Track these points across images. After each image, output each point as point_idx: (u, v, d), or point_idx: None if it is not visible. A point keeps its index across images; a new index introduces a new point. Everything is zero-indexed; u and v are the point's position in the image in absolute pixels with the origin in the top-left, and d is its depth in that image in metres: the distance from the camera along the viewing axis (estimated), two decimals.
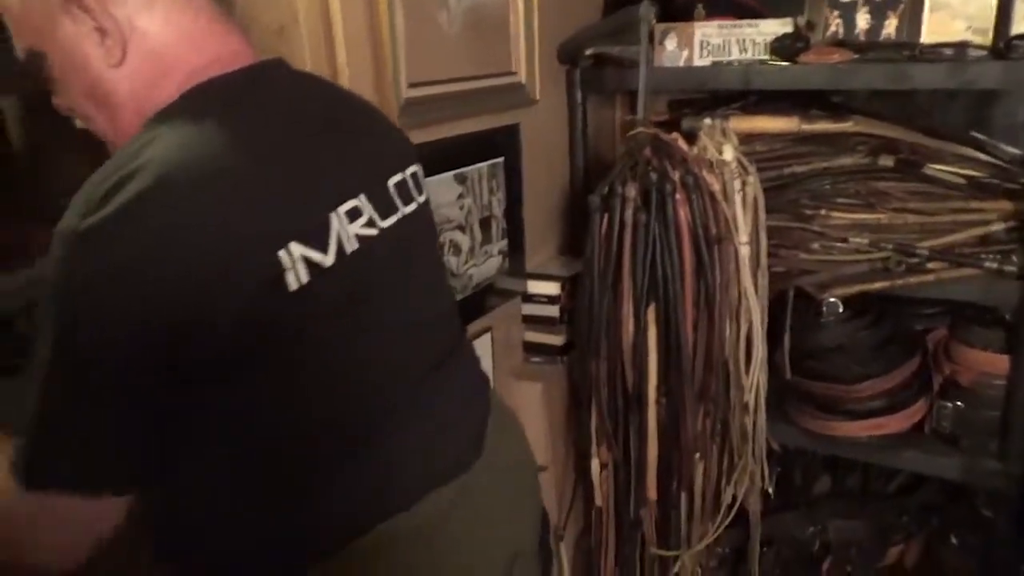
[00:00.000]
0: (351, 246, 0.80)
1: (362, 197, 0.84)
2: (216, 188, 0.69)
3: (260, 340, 0.71)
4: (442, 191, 1.52)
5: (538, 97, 1.76)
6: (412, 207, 0.94)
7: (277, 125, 0.80)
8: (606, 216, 1.58)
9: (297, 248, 0.72)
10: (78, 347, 0.66)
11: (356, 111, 0.99)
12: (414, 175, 0.99)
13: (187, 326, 0.66)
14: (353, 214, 0.82)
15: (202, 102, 0.76)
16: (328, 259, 0.76)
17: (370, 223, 0.85)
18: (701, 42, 1.78)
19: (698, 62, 1.79)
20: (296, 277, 0.72)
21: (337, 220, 0.79)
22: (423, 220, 0.99)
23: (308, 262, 0.73)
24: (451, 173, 1.55)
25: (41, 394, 0.68)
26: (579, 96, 1.89)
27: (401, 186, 0.94)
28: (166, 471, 0.75)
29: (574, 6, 1.90)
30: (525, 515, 1.04)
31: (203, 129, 0.72)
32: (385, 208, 0.88)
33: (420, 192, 0.99)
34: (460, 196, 1.59)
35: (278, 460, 0.79)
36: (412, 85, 1.42)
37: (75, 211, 0.66)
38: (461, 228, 1.60)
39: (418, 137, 1.32)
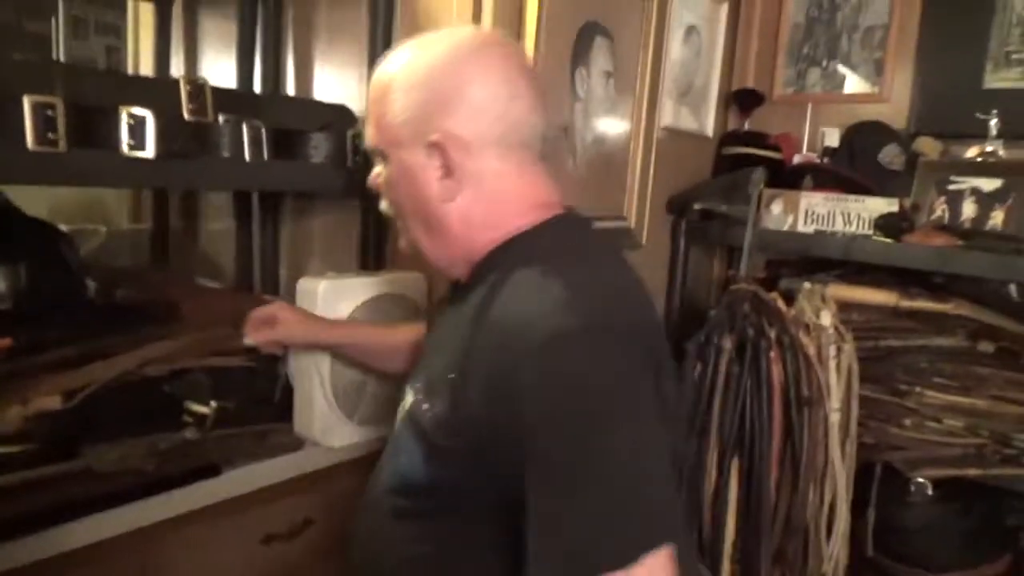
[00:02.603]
0: None
1: None
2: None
3: None
4: None
5: (644, 242, 1.86)
6: None
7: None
8: (699, 365, 1.62)
9: None
10: (640, 411, 0.73)
11: None
12: None
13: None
14: None
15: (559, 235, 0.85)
16: None
17: None
18: (807, 210, 1.87)
19: (802, 228, 1.87)
20: None
21: None
22: None
23: None
24: None
25: (619, 469, 0.70)
26: (683, 245, 1.99)
27: None
28: None
29: (686, 164, 2.03)
30: None
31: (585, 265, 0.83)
32: None
33: None
34: None
35: None
36: None
37: (557, 319, 0.73)
38: None
39: None
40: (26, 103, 0.97)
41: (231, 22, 1.66)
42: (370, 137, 0.89)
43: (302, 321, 1.18)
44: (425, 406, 0.83)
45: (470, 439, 0.77)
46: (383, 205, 0.93)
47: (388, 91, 0.84)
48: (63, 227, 1.49)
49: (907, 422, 1.71)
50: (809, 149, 2.14)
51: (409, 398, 0.88)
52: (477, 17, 1.39)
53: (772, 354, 1.57)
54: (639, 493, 0.70)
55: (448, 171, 0.83)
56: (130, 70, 1.97)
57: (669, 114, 1.93)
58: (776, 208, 1.90)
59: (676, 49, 1.93)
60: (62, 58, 1.82)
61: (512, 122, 0.83)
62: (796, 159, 2.07)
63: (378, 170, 0.91)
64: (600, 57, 1.68)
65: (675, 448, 0.85)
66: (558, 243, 0.84)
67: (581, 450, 0.70)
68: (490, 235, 0.84)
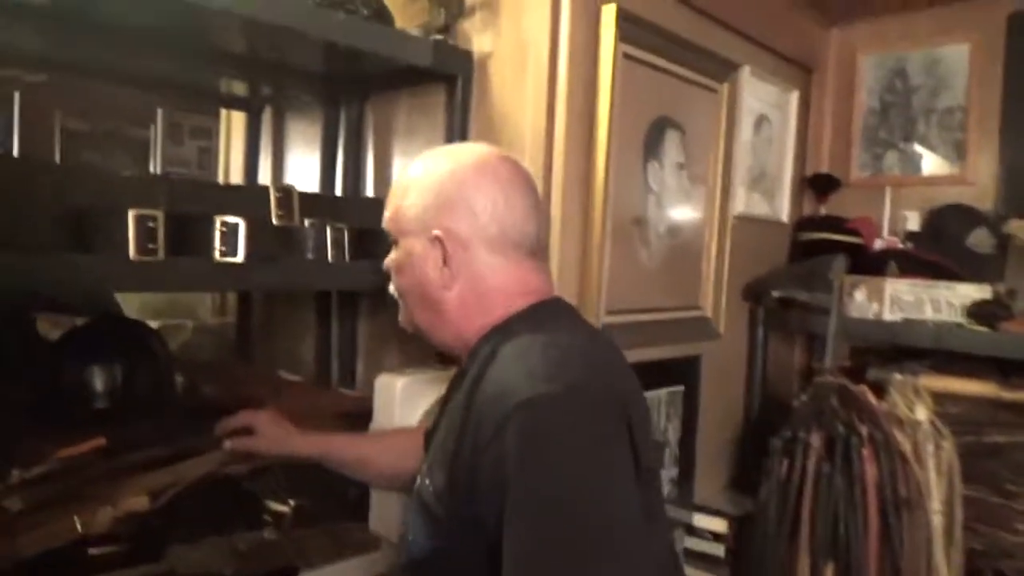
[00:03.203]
0: None
1: None
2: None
3: None
4: None
5: (722, 331, 1.82)
6: None
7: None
8: (786, 461, 1.55)
9: None
10: (613, 467, 0.79)
11: None
12: None
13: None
14: None
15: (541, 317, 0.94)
16: None
17: None
18: (892, 297, 1.80)
19: (888, 316, 1.79)
20: None
21: None
22: None
23: None
24: None
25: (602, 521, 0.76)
26: (761, 334, 1.93)
27: None
28: None
29: (761, 251, 2.00)
30: None
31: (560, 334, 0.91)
32: None
33: None
34: None
35: None
36: (610, 312, 1.53)
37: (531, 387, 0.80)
38: None
39: None
40: (130, 216, 1.03)
41: (316, 126, 1.75)
42: (386, 220, 1.03)
43: (278, 432, 1.20)
44: (427, 481, 0.91)
45: (464, 505, 0.83)
46: (391, 287, 1.05)
47: (408, 189, 0.99)
48: (152, 323, 1.56)
49: (1019, 527, 1.58)
50: (889, 233, 2.07)
51: (418, 481, 0.95)
52: (551, 116, 1.43)
53: (865, 452, 1.48)
54: (608, 545, 0.75)
55: (446, 261, 0.94)
56: (220, 170, 2.08)
57: (742, 202, 1.91)
58: (859, 296, 1.84)
59: (747, 138, 1.93)
60: (159, 160, 1.95)
61: (506, 227, 0.94)
62: (878, 244, 2.01)
63: (391, 256, 1.03)
64: (672, 149, 1.69)
65: (651, 502, 0.89)
66: (540, 321, 0.93)
67: (555, 503, 0.76)
68: (482, 320, 0.94)
